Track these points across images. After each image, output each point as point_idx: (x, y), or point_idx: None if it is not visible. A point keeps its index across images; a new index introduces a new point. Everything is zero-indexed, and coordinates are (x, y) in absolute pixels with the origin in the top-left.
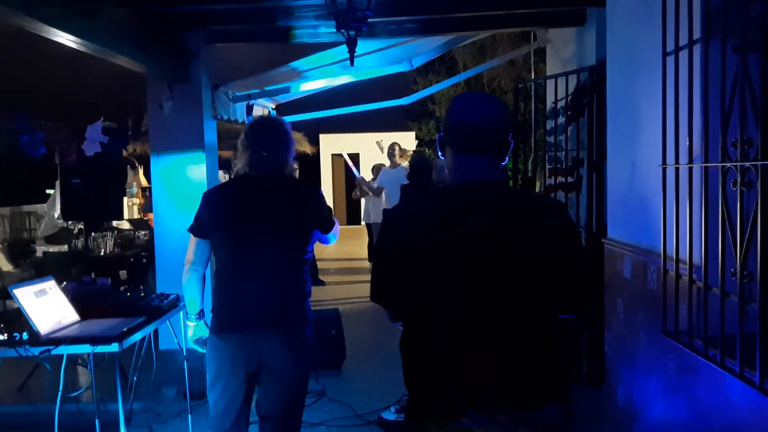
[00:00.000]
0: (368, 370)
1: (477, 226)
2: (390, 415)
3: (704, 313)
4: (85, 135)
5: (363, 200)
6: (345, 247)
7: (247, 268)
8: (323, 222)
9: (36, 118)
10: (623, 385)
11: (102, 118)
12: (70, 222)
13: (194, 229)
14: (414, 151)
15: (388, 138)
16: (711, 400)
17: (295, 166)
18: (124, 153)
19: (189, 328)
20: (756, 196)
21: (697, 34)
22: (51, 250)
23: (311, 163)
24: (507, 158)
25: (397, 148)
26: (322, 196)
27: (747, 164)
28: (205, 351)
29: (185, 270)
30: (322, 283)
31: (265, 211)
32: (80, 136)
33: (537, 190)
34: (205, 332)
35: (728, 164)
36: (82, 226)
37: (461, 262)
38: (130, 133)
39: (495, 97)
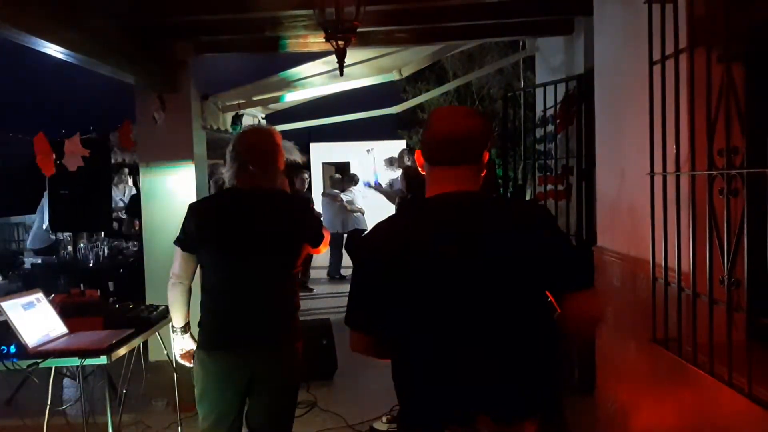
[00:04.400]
0: (360, 381)
1: (455, 237)
2: (382, 426)
3: (693, 321)
4: (63, 149)
5: (325, 209)
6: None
7: (235, 283)
8: (313, 237)
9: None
10: (614, 393)
11: (78, 132)
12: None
13: (181, 242)
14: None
15: (378, 146)
16: (700, 407)
17: (306, 179)
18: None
19: (174, 342)
20: (743, 204)
21: (682, 44)
22: (39, 261)
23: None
24: (484, 169)
25: (406, 154)
26: (312, 211)
27: (733, 172)
28: (191, 365)
29: (170, 283)
30: (309, 290)
31: (253, 226)
32: (57, 150)
33: (527, 197)
34: (190, 346)
35: (715, 172)
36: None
37: (441, 275)
38: (113, 146)
39: (470, 109)
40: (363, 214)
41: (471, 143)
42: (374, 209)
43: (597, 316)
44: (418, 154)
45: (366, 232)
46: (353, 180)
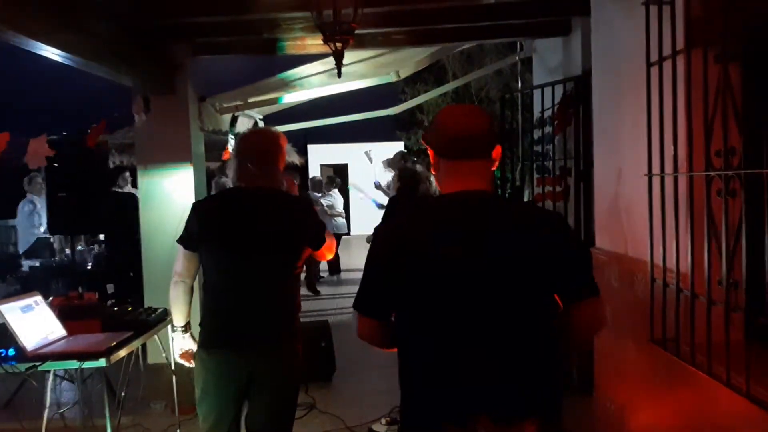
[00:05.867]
0: (358, 382)
1: (460, 237)
2: (381, 428)
3: (691, 321)
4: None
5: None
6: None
7: (236, 282)
8: (313, 239)
9: None
10: (612, 394)
11: (45, 134)
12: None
13: (184, 241)
14: (402, 165)
15: (376, 148)
16: (699, 408)
17: (296, 181)
18: (111, 165)
19: (174, 341)
20: (740, 205)
21: (680, 45)
22: (38, 264)
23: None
24: (496, 161)
25: (400, 156)
26: (312, 212)
27: (731, 173)
28: (191, 365)
29: (173, 281)
30: (317, 293)
31: (254, 226)
32: (22, 148)
33: (525, 199)
34: (190, 346)
35: (712, 173)
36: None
37: (445, 276)
38: (110, 148)
39: (478, 107)
40: (344, 218)
41: (484, 138)
42: (363, 213)
43: (601, 324)
44: (431, 152)
45: (378, 229)
46: (334, 183)
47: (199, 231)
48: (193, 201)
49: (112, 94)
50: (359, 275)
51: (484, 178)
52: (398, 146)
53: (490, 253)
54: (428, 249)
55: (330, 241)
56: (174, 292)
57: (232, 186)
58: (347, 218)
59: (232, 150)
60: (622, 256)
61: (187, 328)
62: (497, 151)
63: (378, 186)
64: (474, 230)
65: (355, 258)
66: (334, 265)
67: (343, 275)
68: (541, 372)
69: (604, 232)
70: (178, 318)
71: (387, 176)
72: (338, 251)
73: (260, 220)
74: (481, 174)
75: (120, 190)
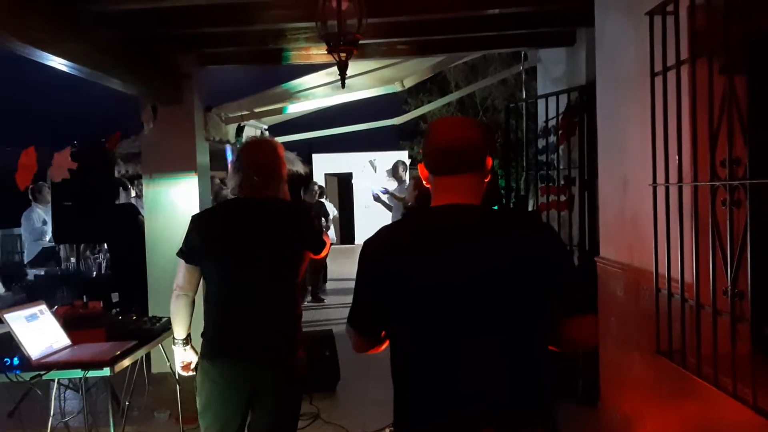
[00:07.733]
0: (362, 392)
1: (455, 245)
2: None
3: (697, 332)
4: (51, 162)
5: None
6: (337, 267)
7: (239, 293)
8: (314, 244)
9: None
10: (618, 404)
11: (70, 146)
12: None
13: (184, 254)
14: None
15: (381, 157)
16: (705, 419)
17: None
18: (117, 174)
19: (174, 354)
20: (745, 215)
21: (684, 55)
22: (42, 272)
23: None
24: (488, 175)
25: (401, 165)
26: (312, 218)
27: (736, 183)
28: (187, 375)
29: (174, 295)
30: (320, 300)
31: (255, 236)
32: (47, 162)
33: (530, 208)
34: (191, 358)
35: (717, 183)
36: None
37: (441, 284)
38: (104, 155)
39: (468, 119)
40: (328, 229)
41: (470, 152)
42: (368, 222)
43: (590, 343)
44: (421, 167)
45: (364, 244)
46: (321, 193)
47: (199, 244)
48: (198, 210)
49: (118, 103)
50: None
51: (473, 194)
52: (402, 156)
53: (485, 261)
54: (423, 258)
55: (327, 242)
56: (175, 305)
57: (232, 196)
58: (351, 228)
59: (233, 163)
60: (627, 266)
61: (187, 340)
62: (489, 164)
63: (377, 198)
64: (468, 239)
65: None
66: (323, 275)
67: (349, 284)
68: (540, 379)
69: (608, 242)
70: (179, 331)
71: (390, 185)
72: (326, 261)
73: (260, 230)
74: (470, 189)
75: (125, 201)
